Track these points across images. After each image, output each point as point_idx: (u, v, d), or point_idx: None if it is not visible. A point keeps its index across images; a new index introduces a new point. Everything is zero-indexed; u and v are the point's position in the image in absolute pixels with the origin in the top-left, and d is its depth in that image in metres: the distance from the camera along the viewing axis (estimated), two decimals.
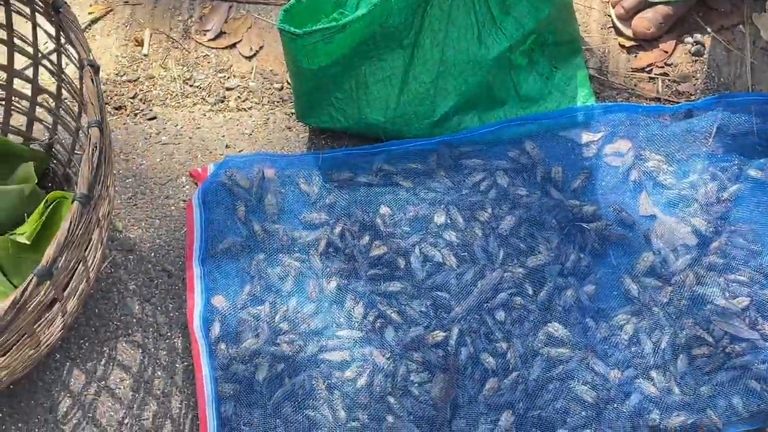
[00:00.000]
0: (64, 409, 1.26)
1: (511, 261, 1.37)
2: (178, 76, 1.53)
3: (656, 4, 1.58)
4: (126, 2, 1.59)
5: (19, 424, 1.25)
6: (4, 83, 1.38)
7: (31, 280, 1.03)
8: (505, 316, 1.32)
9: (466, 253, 1.37)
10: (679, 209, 1.42)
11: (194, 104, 1.51)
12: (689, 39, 1.61)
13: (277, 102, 1.52)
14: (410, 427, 1.24)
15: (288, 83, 1.53)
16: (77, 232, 1.07)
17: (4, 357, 1.11)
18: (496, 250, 1.37)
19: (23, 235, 1.25)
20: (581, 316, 1.34)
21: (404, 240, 1.37)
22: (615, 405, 1.27)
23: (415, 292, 1.34)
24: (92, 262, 1.21)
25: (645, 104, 1.53)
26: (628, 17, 1.60)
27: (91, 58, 1.16)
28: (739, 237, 1.40)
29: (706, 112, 1.50)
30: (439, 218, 1.38)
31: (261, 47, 1.57)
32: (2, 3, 1.27)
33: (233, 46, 1.57)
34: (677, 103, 1.53)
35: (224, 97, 1.52)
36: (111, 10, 1.58)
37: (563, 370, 1.29)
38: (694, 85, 1.56)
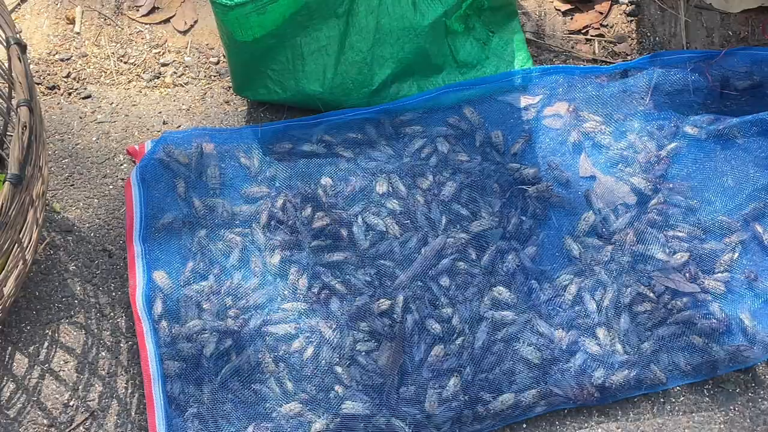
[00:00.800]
0: (8, 394, 1.26)
1: (454, 227, 1.38)
2: (112, 53, 1.53)
3: None
4: None
5: None
6: None
7: None
8: (449, 282, 1.34)
9: (408, 221, 1.38)
10: (618, 169, 1.44)
11: (129, 81, 1.51)
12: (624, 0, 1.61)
13: (214, 76, 1.52)
14: (359, 396, 1.25)
15: (223, 58, 1.53)
16: (11, 213, 1.06)
17: None
18: (438, 216, 1.38)
19: None
20: (525, 279, 1.36)
21: (346, 210, 1.38)
22: (560, 365, 1.29)
23: (359, 261, 1.35)
24: (28, 244, 1.21)
25: (582, 65, 1.54)
26: None
27: (18, 36, 1.14)
28: (677, 194, 1.43)
29: (641, 71, 1.52)
30: (381, 187, 1.39)
31: (196, 21, 1.56)
32: None
33: (167, 21, 1.56)
34: (614, 63, 1.54)
35: (160, 73, 1.52)
36: None
37: (508, 332, 1.31)
38: (630, 45, 1.58)
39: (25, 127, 1.09)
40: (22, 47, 1.14)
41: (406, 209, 1.38)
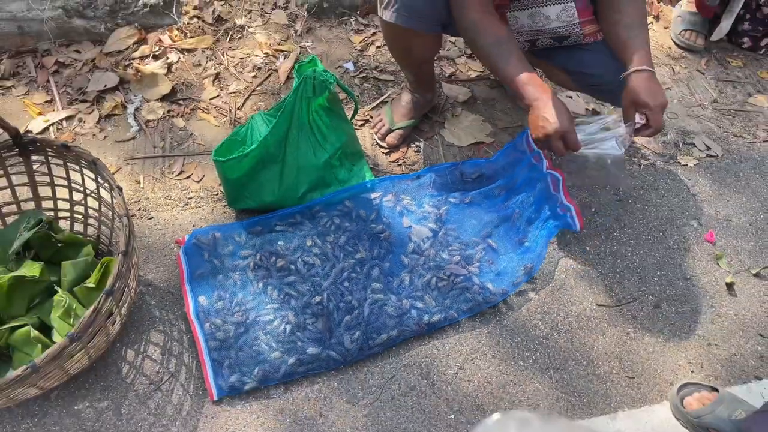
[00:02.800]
0: (124, 371, 1.27)
1: (347, 257, 1.43)
2: (162, 195, 1.55)
3: (396, 129, 1.66)
4: (128, 163, 1.60)
5: (101, 382, 1.25)
6: (68, 208, 1.39)
7: (101, 297, 1.10)
8: (348, 284, 1.40)
9: (324, 257, 1.42)
10: (421, 222, 1.50)
11: (172, 208, 1.53)
12: (413, 144, 1.70)
13: (216, 201, 1.55)
14: (310, 343, 1.30)
15: (221, 191, 1.56)
16: (123, 269, 1.11)
17: (91, 341, 1.13)
18: (339, 252, 1.44)
19: (91, 282, 1.26)
20: (385, 277, 1.42)
21: (293, 255, 1.42)
22: (406, 315, 1.35)
23: (302, 279, 1.38)
24: (132, 287, 1.24)
25: (397, 174, 1.62)
26: (383, 138, 1.67)
27: (118, 184, 1.21)
28: (451, 230, 1.50)
29: (425, 175, 1.59)
30: (309, 242, 1.44)
31: (204, 175, 1.60)
32: (62, 165, 1.30)
33: (189, 177, 1.60)
34: (412, 171, 1.64)
35: (188, 203, 1.55)
36: (120, 168, 1.58)
37: (380, 304, 1.37)
38: (418, 164, 1.68)
39: (126, 226, 1.15)
40: (120, 189, 1.20)
41: (322, 251, 1.43)
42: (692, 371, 1.35)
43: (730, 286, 1.51)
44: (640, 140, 1.81)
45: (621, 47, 1.29)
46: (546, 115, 1.21)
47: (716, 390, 1.24)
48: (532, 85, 1.23)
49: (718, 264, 1.56)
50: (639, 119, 1.25)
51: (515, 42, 1.32)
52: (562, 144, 1.22)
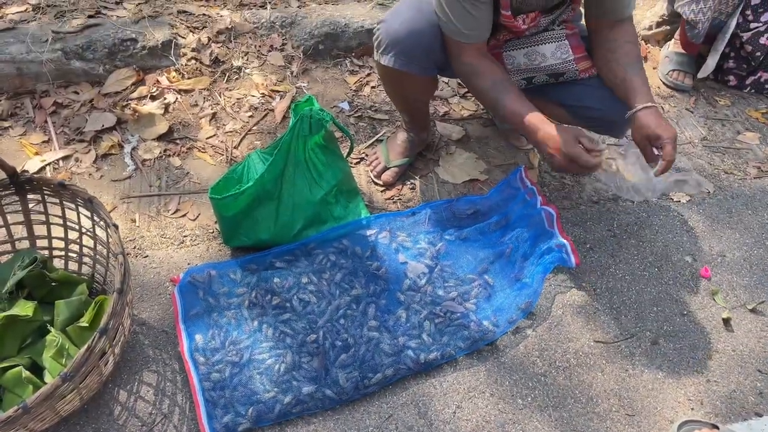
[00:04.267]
0: (117, 411, 1.26)
1: (343, 294, 1.43)
2: (156, 234, 1.55)
3: (391, 167, 1.69)
4: (124, 202, 1.61)
5: (92, 424, 1.23)
6: (63, 247, 1.39)
7: (95, 335, 1.10)
8: (344, 321, 1.40)
9: (320, 294, 1.42)
10: (417, 258, 1.51)
11: (167, 246, 1.53)
12: (408, 181, 1.72)
13: (212, 239, 1.56)
14: (305, 382, 1.29)
15: (216, 229, 1.57)
16: (117, 308, 1.11)
17: (83, 381, 1.11)
18: (335, 289, 1.44)
19: (84, 321, 1.26)
20: (381, 315, 1.41)
21: (288, 293, 1.42)
22: (402, 353, 1.35)
23: (298, 317, 1.38)
24: (126, 326, 1.23)
25: (392, 212, 1.64)
26: (378, 176, 1.69)
27: (114, 222, 1.22)
28: (447, 266, 1.50)
29: (421, 211, 1.61)
30: (304, 279, 1.44)
31: (199, 214, 1.60)
32: (58, 203, 1.31)
33: (184, 215, 1.59)
34: (408, 208, 1.66)
35: (183, 240, 1.55)
36: (116, 207, 1.60)
37: (376, 342, 1.36)
38: (414, 200, 1.70)
39: (122, 264, 1.15)
40: (116, 227, 1.21)
41: (318, 288, 1.43)
42: (692, 408, 1.35)
43: (726, 321, 1.52)
44: (634, 177, 1.84)
45: (620, 85, 1.33)
46: (550, 141, 1.25)
47: (717, 427, 1.24)
48: (534, 118, 1.28)
49: (714, 299, 1.57)
50: (657, 152, 1.28)
51: (511, 81, 1.37)
52: (577, 166, 1.24)
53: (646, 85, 1.30)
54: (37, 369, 1.23)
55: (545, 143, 1.27)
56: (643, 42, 2.33)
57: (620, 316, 1.51)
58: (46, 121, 1.75)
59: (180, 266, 1.50)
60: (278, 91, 1.93)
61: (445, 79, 2.04)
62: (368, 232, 1.55)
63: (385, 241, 1.54)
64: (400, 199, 1.69)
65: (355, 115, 1.91)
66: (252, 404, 1.26)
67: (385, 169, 1.68)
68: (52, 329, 1.25)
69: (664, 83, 2.17)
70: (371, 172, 1.72)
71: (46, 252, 1.37)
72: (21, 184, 1.27)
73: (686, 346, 1.45)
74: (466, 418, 1.30)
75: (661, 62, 2.20)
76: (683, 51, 2.14)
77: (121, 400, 1.27)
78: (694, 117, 2.09)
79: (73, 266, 1.42)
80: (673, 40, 2.20)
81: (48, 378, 1.20)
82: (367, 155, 1.80)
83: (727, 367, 1.42)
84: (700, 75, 2.13)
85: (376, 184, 1.71)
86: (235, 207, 1.40)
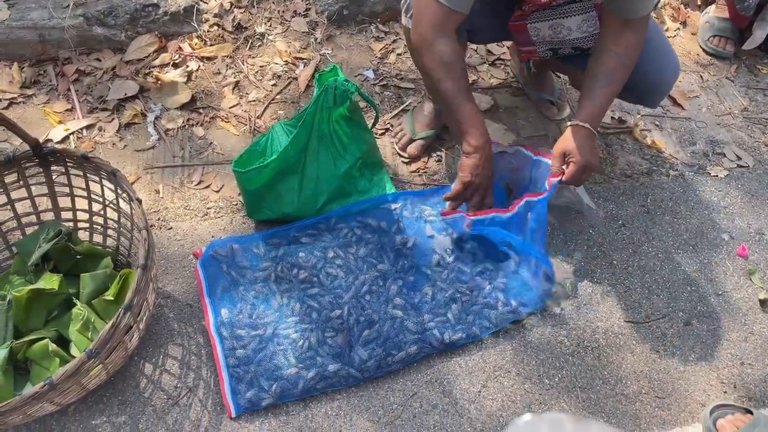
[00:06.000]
0: (143, 384, 1.26)
1: (370, 269, 1.42)
2: (181, 205, 1.55)
3: (417, 139, 1.68)
4: (147, 172, 1.60)
5: (119, 396, 1.24)
6: (87, 219, 1.39)
7: (120, 312, 1.09)
8: (369, 297, 1.38)
9: (347, 269, 1.41)
10: (443, 232, 1.49)
11: (192, 218, 1.52)
12: (434, 154, 1.68)
13: (236, 211, 1.54)
14: (329, 359, 1.29)
15: (240, 201, 1.55)
16: (142, 284, 1.10)
17: (109, 357, 1.12)
18: (361, 264, 1.43)
19: (109, 295, 1.26)
20: (407, 292, 1.40)
21: (316, 267, 1.41)
22: (427, 332, 1.34)
23: (325, 291, 1.37)
24: (150, 301, 1.23)
25: (417, 189, 1.62)
26: (404, 148, 1.66)
27: (137, 196, 1.21)
28: (474, 242, 1.48)
29: (441, 190, 1.57)
30: (331, 254, 1.42)
31: (223, 185, 1.59)
32: (82, 176, 1.30)
33: (208, 186, 1.60)
34: (434, 185, 1.63)
35: (207, 213, 1.54)
36: (140, 178, 1.59)
37: (401, 320, 1.35)
38: (440, 175, 1.66)
39: (146, 239, 1.14)
40: (140, 201, 1.20)
41: (345, 262, 1.42)
42: (725, 392, 1.31)
43: (763, 302, 1.47)
44: (668, 149, 1.77)
45: (583, 86, 1.31)
46: (482, 167, 1.31)
47: (750, 412, 1.20)
48: (477, 128, 1.29)
49: (750, 279, 1.52)
50: (565, 168, 1.32)
51: (466, 73, 1.33)
52: (479, 200, 1.34)
53: (597, 106, 1.28)
54: (63, 342, 1.23)
55: (476, 161, 1.32)
56: (682, 6, 2.21)
57: (652, 296, 1.47)
58: (69, 89, 1.74)
59: (204, 239, 1.49)
60: (302, 59, 1.88)
61: (474, 47, 1.98)
62: (393, 206, 1.53)
63: (410, 214, 1.53)
64: (425, 172, 1.66)
65: (380, 83, 1.87)
66: (276, 380, 1.26)
67: (411, 141, 1.65)
68: (77, 302, 1.25)
69: (703, 50, 2.08)
70: (396, 144, 1.70)
71: (71, 224, 1.37)
72: (44, 155, 1.26)
73: (720, 328, 1.41)
74: (492, 398, 1.28)
75: (701, 28, 2.09)
76: (725, 16, 2.01)
77: (147, 373, 1.28)
78: (734, 86, 2.00)
79: (97, 239, 1.42)
80: (714, 4, 2.07)
81: (74, 351, 1.21)
82: (392, 126, 1.77)
83: (762, 350, 1.38)
84: (745, 47, 2.02)
85: (401, 156, 1.70)
86: (258, 180, 1.39)
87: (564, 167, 1.34)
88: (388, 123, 1.79)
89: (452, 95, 1.29)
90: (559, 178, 1.35)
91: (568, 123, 1.33)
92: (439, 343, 1.31)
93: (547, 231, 1.44)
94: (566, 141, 1.30)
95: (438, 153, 1.73)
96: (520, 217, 1.38)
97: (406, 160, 1.70)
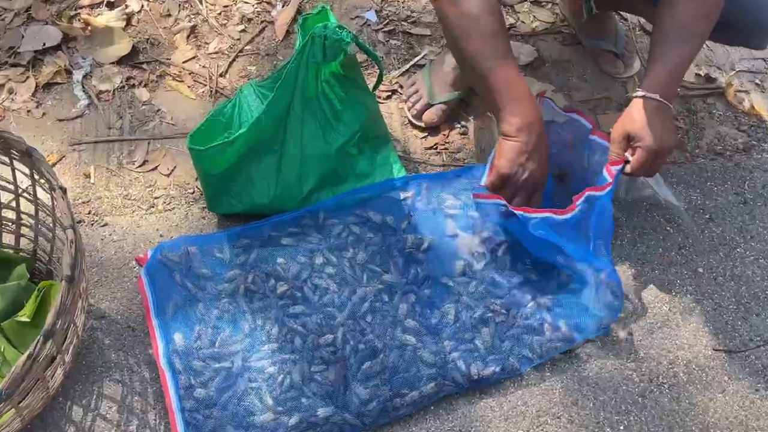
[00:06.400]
0: None
1: (372, 281, 1.40)
2: (119, 194, 1.54)
3: (436, 104, 1.66)
4: (74, 149, 1.59)
5: None
6: None
7: (39, 339, 1.05)
8: (372, 318, 1.37)
9: (342, 280, 1.40)
10: (470, 230, 1.48)
11: (133, 212, 1.51)
12: (458, 123, 1.67)
13: (192, 201, 1.53)
14: (318, 401, 1.27)
15: (198, 188, 1.54)
16: (68, 302, 1.09)
17: (24, 399, 1.10)
18: (360, 274, 1.42)
19: (24, 315, 1.25)
20: (421, 309, 1.39)
21: (298, 278, 1.39)
22: (449, 364, 1.32)
23: (312, 310, 1.36)
24: (80, 324, 1.22)
25: (434, 172, 1.60)
26: (419, 115, 1.65)
27: (60, 183, 1.18)
28: (511, 243, 1.46)
29: (467, 173, 1.58)
30: (318, 260, 1.41)
31: (175, 167, 1.58)
32: None
33: (155, 168, 1.58)
34: (458, 167, 1.62)
35: (154, 204, 1.53)
36: (64, 156, 1.58)
37: (413, 348, 1.34)
38: (466, 152, 1.65)
39: (72, 242, 1.12)
40: (64, 190, 1.18)
41: (339, 272, 1.40)
42: None
43: None
44: None
45: (649, 53, 1.33)
46: (528, 156, 1.29)
47: None
48: (522, 99, 1.28)
49: None
50: (629, 155, 1.34)
51: (504, 27, 1.32)
52: (524, 200, 1.33)
53: (674, 71, 1.30)
54: None
55: (526, 147, 1.30)
56: None
57: (750, 315, 1.47)
58: None
59: (150, 239, 1.48)
60: None
61: None
62: (403, 195, 1.52)
63: (426, 206, 1.52)
64: (446, 148, 1.65)
65: (385, 29, 1.86)
66: (247, 429, 1.26)
67: (428, 106, 1.64)
68: None
69: None
70: (408, 110, 1.69)
71: None
72: None
73: None
74: None
75: None
76: None
77: (75, 420, 1.27)
78: None
79: (8, 239, 1.41)
80: None
81: None
82: (401, 87, 1.75)
83: None
84: None
85: (415, 126, 1.69)
86: (222, 162, 1.38)
87: (629, 153, 1.34)
88: (396, 83, 1.77)
89: (482, 57, 1.28)
90: (621, 165, 1.35)
91: (633, 94, 1.33)
92: (465, 380, 1.30)
93: (613, 232, 1.43)
94: (630, 119, 1.31)
95: (463, 123, 1.71)
96: (579, 218, 1.36)
97: (421, 133, 1.69)
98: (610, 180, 1.36)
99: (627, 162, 1.36)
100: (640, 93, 1.31)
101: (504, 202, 1.36)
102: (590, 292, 1.41)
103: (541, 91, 1.51)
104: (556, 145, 1.48)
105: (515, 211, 1.35)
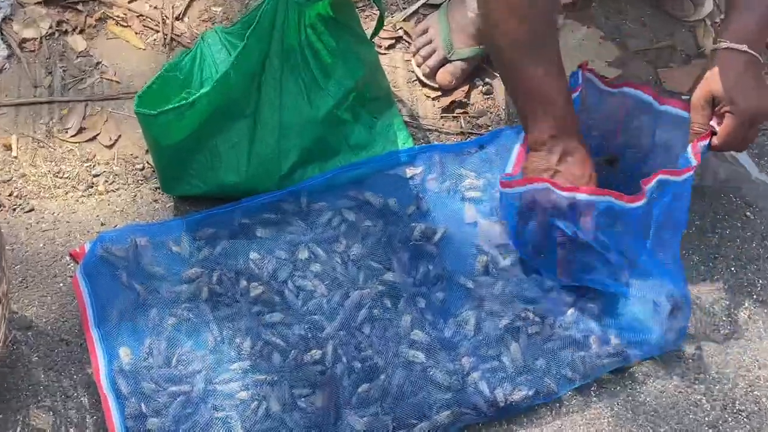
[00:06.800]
0: None
1: (369, 282, 1.43)
2: (48, 171, 1.55)
3: (453, 60, 1.67)
4: None
5: None
6: None
7: None
8: (370, 329, 1.39)
9: (332, 280, 1.42)
10: (493, 216, 1.51)
11: (66, 193, 1.53)
12: (482, 83, 1.69)
13: (141, 180, 1.55)
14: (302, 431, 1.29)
15: (149, 163, 1.56)
16: None
17: None
18: (355, 272, 1.44)
19: None
20: (433, 317, 1.41)
21: (277, 277, 1.42)
22: (469, 387, 1.33)
23: (294, 319, 1.38)
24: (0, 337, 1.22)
25: (450, 142, 1.63)
26: (432, 74, 1.67)
27: None
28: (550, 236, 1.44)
29: (498, 140, 1.60)
30: (302, 254, 1.43)
31: (119, 136, 1.59)
32: None
33: (94, 138, 1.59)
34: (480, 134, 1.63)
35: (93, 183, 1.54)
36: None
37: (423, 366, 1.36)
38: (489, 117, 1.66)
39: None
40: None
41: (328, 269, 1.43)
42: None
43: None
44: None
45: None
46: (585, 171, 1.36)
47: None
48: (554, 104, 1.34)
49: None
50: (716, 124, 1.36)
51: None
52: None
53: (763, 14, 1.33)
54: None
55: (576, 161, 1.37)
56: None
57: None
58: None
59: (88, 228, 1.49)
60: None
61: None
62: (409, 172, 1.55)
63: (439, 186, 1.55)
64: (465, 111, 1.68)
65: None
66: None
67: (444, 61, 1.66)
68: None
69: None
70: (418, 66, 1.71)
71: None
72: None
73: None
74: None
75: None
76: None
77: None
78: None
79: None
80: None
81: None
82: (409, 35, 1.77)
83: None
84: None
85: (426, 86, 1.70)
86: (180, 130, 1.40)
87: (714, 122, 1.35)
88: (401, 28, 1.78)
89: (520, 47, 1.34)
90: (707, 140, 1.36)
91: (715, 46, 1.35)
92: (488, 407, 1.32)
93: (684, 228, 1.44)
94: (713, 78, 1.32)
95: (488, 81, 1.72)
96: (646, 209, 1.39)
97: (434, 93, 1.70)
98: (694, 161, 1.36)
99: (714, 133, 1.37)
100: (724, 44, 1.33)
101: (548, 184, 1.38)
102: (648, 299, 1.44)
103: (583, 62, 1.52)
104: (606, 118, 1.52)
105: (562, 193, 1.38)
